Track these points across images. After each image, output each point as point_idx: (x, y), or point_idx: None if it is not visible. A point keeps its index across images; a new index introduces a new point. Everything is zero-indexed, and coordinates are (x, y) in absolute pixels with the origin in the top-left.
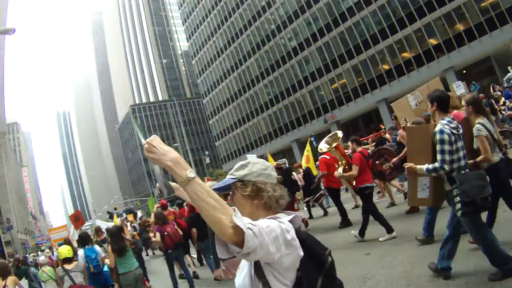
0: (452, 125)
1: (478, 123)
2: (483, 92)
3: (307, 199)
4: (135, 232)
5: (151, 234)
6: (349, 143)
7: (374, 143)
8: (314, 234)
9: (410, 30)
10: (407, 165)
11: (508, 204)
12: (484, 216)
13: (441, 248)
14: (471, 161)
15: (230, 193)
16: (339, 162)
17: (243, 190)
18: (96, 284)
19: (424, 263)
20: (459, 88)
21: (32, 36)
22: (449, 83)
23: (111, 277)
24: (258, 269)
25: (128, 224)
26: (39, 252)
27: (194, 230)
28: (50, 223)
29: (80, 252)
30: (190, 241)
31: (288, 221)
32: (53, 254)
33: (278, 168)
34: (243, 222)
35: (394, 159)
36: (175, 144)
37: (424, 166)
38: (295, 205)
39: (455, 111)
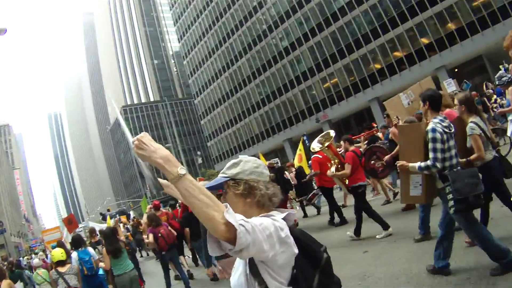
0: (444, 124)
1: (471, 122)
2: (475, 90)
3: (300, 198)
4: (128, 233)
5: (144, 236)
6: (342, 142)
7: (366, 141)
8: (309, 232)
9: (402, 30)
10: (399, 163)
11: (503, 201)
12: (477, 214)
13: (436, 249)
14: (464, 159)
15: (222, 192)
16: (332, 161)
17: (235, 189)
18: (90, 286)
19: (423, 260)
20: (450, 86)
21: (23, 37)
22: (441, 81)
23: (106, 281)
24: (252, 268)
25: (121, 225)
26: (33, 255)
27: (187, 229)
28: (43, 225)
29: (74, 254)
30: (184, 242)
31: (282, 218)
32: (47, 257)
33: (271, 167)
34: (235, 218)
35: (387, 157)
36: (167, 145)
37: (417, 164)
38: (288, 204)
39: (447, 110)
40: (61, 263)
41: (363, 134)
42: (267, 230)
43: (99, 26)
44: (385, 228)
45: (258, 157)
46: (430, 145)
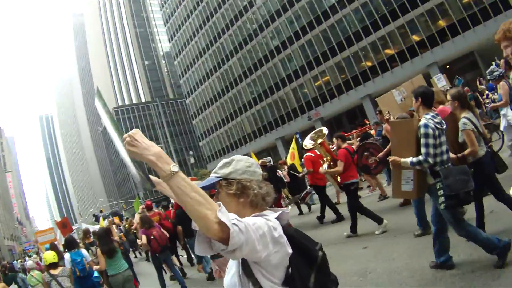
0: (436, 120)
1: (464, 117)
2: (467, 86)
3: (295, 197)
4: (121, 234)
5: (138, 241)
6: (334, 139)
7: (359, 138)
8: (305, 230)
9: (393, 27)
10: (391, 158)
11: (496, 196)
12: (472, 211)
13: (434, 245)
14: (458, 154)
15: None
16: (324, 158)
17: (228, 189)
18: None
19: (425, 255)
20: (439, 81)
21: (13, 40)
22: (434, 78)
23: (101, 283)
24: (246, 268)
25: (114, 226)
26: (26, 258)
27: (179, 228)
28: (36, 227)
29: (67, 256)
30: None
31: (275, 218)
32: (40, 260)
33: (263, 166)
34: (228, 217)
35: (380, 154)
36: (159, 145)
37: (408, 159)
38: (282, 202)
39: (440, 106)
40: (54, 265)
41: (355, 131)
42: (260, 230)
43: (89, 27)
44: (380, 223)
45: (250, 156)
46: (422, 141)
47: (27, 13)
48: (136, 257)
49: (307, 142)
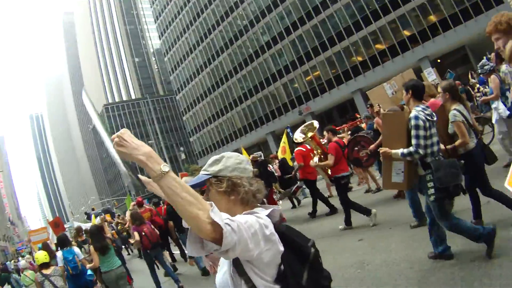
0: (426, 112)
1: (454, 109)
2: (459, 80)
3: (286, 191)
4: (113, 231)
5: (130, 240)
6: (325, 133)
7: (349, 132)
8: (298, 224)
9: (384, 22)
10: (382, 149)
11: (482, 189)
12: (462, 203)
13: (430, 236)
14: (448, 146)
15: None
16: (315, 152)
17: (218, 186)
18: (76, 286)
19: (422, 245)
20: (430, 75)
21: (2, 39)
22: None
23: (93, 282)
24: (238, 266)
25: (106, 224)
26: (20, 258)
27: (171, 223)
28: (28, 227)
29: (59, 254)
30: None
31: (266, 215)
32: (33, 260)
33: (254, 161)
34: (221, 217)
35: (371, 146)
36: (149, 142)
37: (399, 151)
38: (274, 196)
39: (431, 100)
40: (46, 265)
41: (346, 125)
42: (252, 228)
43: (79, 25)
44: (368, 214)
45: (241, 152)
46: (413, 132)
47: (17, 12)
48: (129, 254)
49: (298, 136)
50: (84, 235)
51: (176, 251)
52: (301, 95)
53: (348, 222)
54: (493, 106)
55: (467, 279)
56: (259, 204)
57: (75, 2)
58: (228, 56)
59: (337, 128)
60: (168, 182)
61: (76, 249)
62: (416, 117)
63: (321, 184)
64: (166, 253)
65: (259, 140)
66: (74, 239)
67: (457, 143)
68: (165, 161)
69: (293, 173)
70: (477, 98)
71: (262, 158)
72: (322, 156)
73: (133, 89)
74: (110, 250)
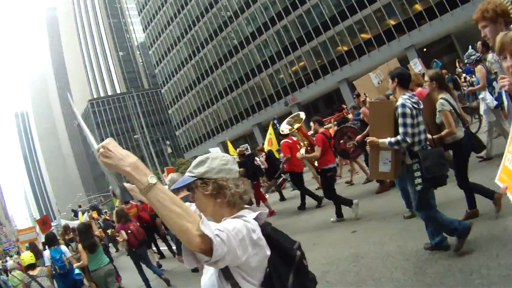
0: (413, 100)
1: (441, 98)
2: (445, 69)
3: (271, 182)
4: (100, 229)
5: (118, 238)
6: (311, 123)
7: (335, 122)
8: (288, 216)
9: (369, 11)
10: (369, 139)
11: (459, 181)
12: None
13: (426, 228)
14: (435, 136)
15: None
16: (302, 143)
17: (204, 189)
18: (65, 285)
19: (417, 236)
20: (416, 66)
21: None
22: (410, 61)
23: (82, 281)
24: (225, 270)
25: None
26: (7, 258)
27: (158, 219)
28: (15, 227)
29: (46, 253)
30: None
31: (254, 218)
32: None
33: (241, 155)
34: (211, 229)
35: (358, 137)
36: (135, 136)
37: (387, 140)
38: (261, 189)
39: (419, 89)
40: (32, 266)
41: (332, 116)
42: (240, 234)
43: (62, 20)
44: (350, 205)
45: (226, 144)
46: (400, 120)
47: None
48: (117, 251)
49: (284, 127)
50: (71, 233)
51: (163, 247)
52: (287, 85)
53: (339, 214)
54: (480, 96)
55: (465, 270)
56: (246, 206)
57: None
58: (213, 48)
59: (323, 120)
60: (156, 195)
61: (63, 248)
62: (403, 105)
63: (307, 176)
64: (151, 251)
65: (245, 132)
66: (61, 237)
67: (443, 132)
68: (151, 155)
69: (281, 166)
70: (464, 88)
71: (249, 151)
72: (309, 148)
73: (118, 83)
74: (99, 248)
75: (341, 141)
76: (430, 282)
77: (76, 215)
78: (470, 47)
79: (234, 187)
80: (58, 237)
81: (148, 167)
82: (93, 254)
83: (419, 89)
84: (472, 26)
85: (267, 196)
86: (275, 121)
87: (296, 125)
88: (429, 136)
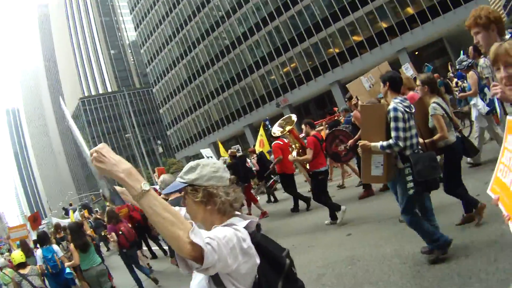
0: (404, 104)
1: (434, 102)
2: (436, 73)
3: (261, 183)
4: (91, 229)
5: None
6: (303, 126)
7: (327, 125)
8: (280, 218)
9: (362, 13)
10: (361, 142)
11: (446, 185)
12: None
13: None
14: (427, 140)
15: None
16: (293, 146)
17: (194, 196)
18: (57, 284)
19: (413, 240)
20: (407, 70)
21: None
22: (402, 64)
23: (73, 281)
24: (215, 276)
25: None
26: None
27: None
28: (6, 224)
29: (38, 252)
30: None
31: (244, 227)
32: None
33: (233, 156)
34: (202, 237)
35: (350, 141)
36: (126, 135)
37: (379, 143)
38: (252, 191)
39: (411, 93)
40: (22, 265)
41: (324, 119)
42: (231, 242)
43: (54, 17)
44: (338, 210)
45: (217, 145)
46: (392, 124)
47: None
48: (108, 250)
49: (276, 130)
50: (63, 231)
51: (154, 247)
52: (279, 87)
53: (333, 216)
54: (471, 102)
55: (463, 274)
56: (237, 213)
57: None
58: (205, 48)
59: (315, 122)
60: (149, 201)
61: (55, 247)
62: (395, 109)
63: (298, 178)
64: (139, 253)
65: (236, 133)
66: (52, 235)
67: (436, 137)
68: (142, 154)
69: (271, 166)
70: (456, 93)
71: (240, 152)
72: (300, 151)
73: (109, 81)
74: (91, 248)
75: (333, 144)
76: (428, 286)
77: (67, 213)
78: (461, 52)
79: (225, 195)
80: (50, 236)
81: (139, 167)
82: (85, 254)
83: (411, 93)
84: (464, 30)
85: (258, 198)
86: (267, 122)
87: (288, 128)
88: (421, 140)
